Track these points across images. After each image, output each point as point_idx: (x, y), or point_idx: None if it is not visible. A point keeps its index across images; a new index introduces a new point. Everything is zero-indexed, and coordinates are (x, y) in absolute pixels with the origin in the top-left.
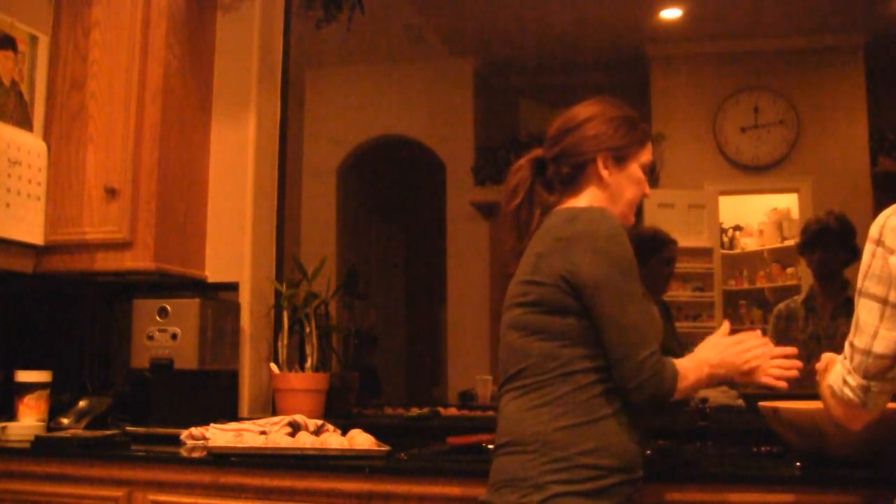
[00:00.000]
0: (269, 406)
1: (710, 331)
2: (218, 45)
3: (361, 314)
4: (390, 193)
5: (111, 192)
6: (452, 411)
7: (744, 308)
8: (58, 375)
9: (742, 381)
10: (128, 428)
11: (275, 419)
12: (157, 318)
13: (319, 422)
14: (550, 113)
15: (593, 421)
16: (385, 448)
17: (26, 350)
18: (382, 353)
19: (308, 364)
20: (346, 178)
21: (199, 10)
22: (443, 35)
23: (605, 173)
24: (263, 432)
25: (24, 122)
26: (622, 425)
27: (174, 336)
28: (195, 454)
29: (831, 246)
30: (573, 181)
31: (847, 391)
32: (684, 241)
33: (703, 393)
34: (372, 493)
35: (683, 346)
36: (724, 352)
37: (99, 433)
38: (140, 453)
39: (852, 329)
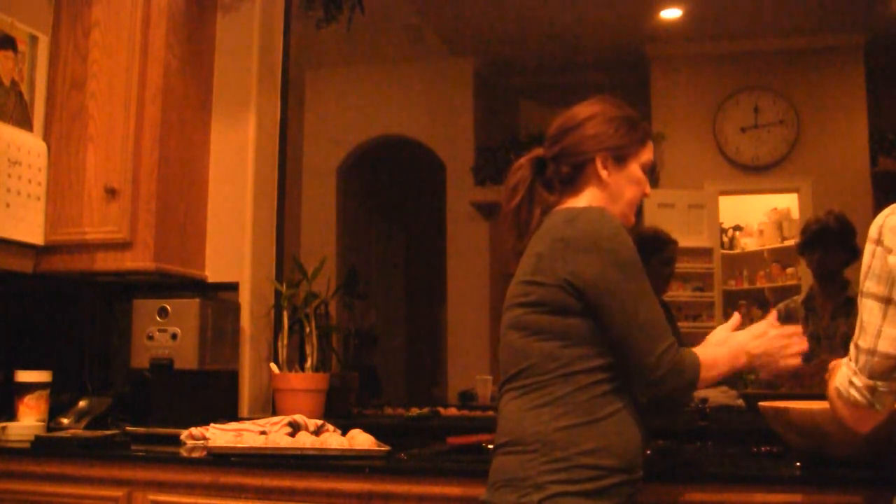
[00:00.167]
0: (269, 406)
1: (709, 331)
2: (218, 45)
3: (361, 314)
4: (390, 193)
5: (111, 192)
6: (452, 411)
7: (744, 308)
8: (58, 375)
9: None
10: (128, 428)
11: (275, 419)
12: (157, 318)
13: (319, 422)
14: (550, 113)
15: (594, 421)
16: (385, 448)
17: (26, 350)
18: (382, 353)
19: (308, 364)
20: (346, 178)
21: (199, 10)
22: (443, 35)
23: (604, 173)
24: (263, 432)
25: (24, 122)
26: (623, 425)
27: (174, 336)
28: (195, 454)
29: (831, 246)
30: (573, 181)
31: (853, 392)
32: (684, 241)
33: (703, 393)
34: (372, 493)
35: (684, 346)
36: (769, 344)
37: (99, 433)
38: (140, 453)
39: (856, 330)
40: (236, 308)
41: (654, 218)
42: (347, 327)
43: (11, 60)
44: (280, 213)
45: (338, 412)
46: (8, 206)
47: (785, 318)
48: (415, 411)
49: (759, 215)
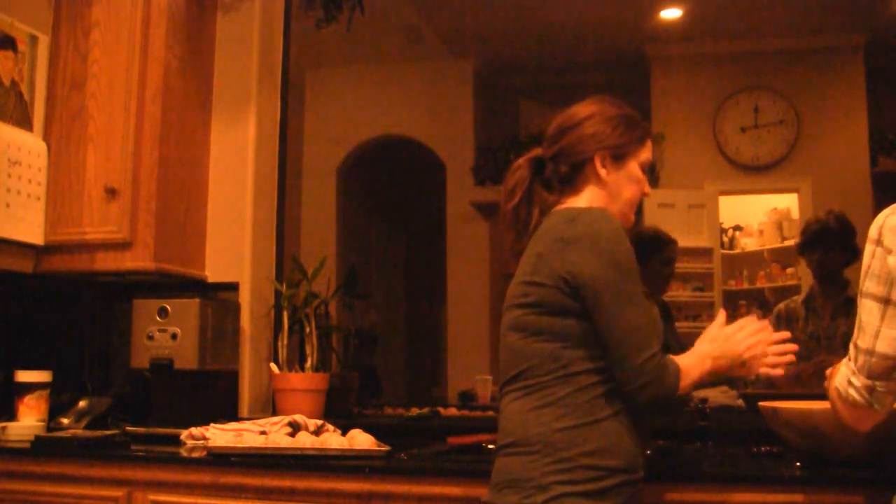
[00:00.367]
0: (269, 406)
1: None
2: (218, 45)
3: (361, 314)
4: (390, 193)
5: (111, 192)
6: (452, 411)
7: (744, 308)
8: (58, 375)
9: (740, 374)
10: (128, 428)
11: (275, 419)
12: (157, 318)
13: (319, 422)
14: (550, 113)
15: (595, 422)
16: (385, 448)
17: (26, 350)
18: (382, 353)
19: (308, 364)
20: (346, 178)
21: (199, 10)
22: (443, 35)
23: (602, 172)
24: (263, 432)
25: (24, 122)
26: (623, 426)
27: (174, 336)
28: (195, 454)
29: (831, 246)
30: (572, 180)
31: (852, 392)
32: (684, 241)
33: (703, 393)
34: (372, 493)
35: (683, 345)
36: (723, 343)
37: (99, 433)
38: (140, 453)
39: (855, 330)
40: (236, 308)
41: (654, 218)
42: (347, 327)
43: (11, 60)
44: (280, 213)
45: (338, 412)
46: (8, 206)
47: (786, 322)
48: (415, 411)
49: (759, 215)
